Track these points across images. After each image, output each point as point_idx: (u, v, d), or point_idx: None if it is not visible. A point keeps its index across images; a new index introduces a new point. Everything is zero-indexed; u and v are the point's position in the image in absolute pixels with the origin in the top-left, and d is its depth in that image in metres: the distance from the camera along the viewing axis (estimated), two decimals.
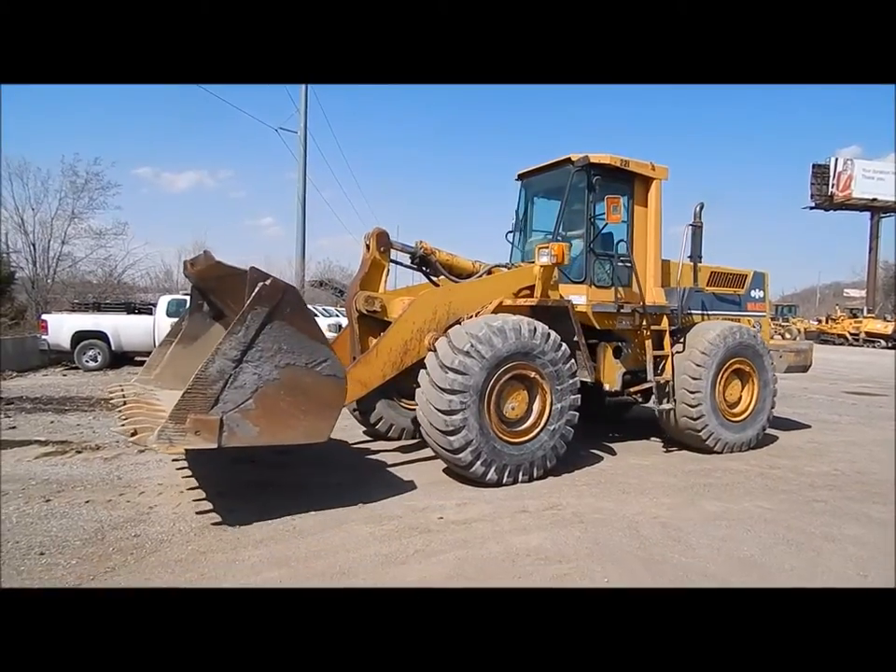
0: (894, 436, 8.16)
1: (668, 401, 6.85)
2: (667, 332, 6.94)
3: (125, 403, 5.21)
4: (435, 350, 5.46)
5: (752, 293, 8.16)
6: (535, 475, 5.65)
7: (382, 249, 6.48)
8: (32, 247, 23.35)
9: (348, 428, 7.43)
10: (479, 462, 5.29)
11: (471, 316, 5.89)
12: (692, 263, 7.28)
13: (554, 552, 4.01)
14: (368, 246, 6.50)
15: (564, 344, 5.79)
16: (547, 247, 6.11)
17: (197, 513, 4.56)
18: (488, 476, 5.36)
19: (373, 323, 6.26)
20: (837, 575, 3.77)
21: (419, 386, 5.50)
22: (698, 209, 7.19)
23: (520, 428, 5.65)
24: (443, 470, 5.82)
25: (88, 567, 3.60)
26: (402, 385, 6.49)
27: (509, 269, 6.99)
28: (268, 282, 4.16)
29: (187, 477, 5.52)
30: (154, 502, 4.81)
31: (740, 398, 7.24)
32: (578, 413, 5.90)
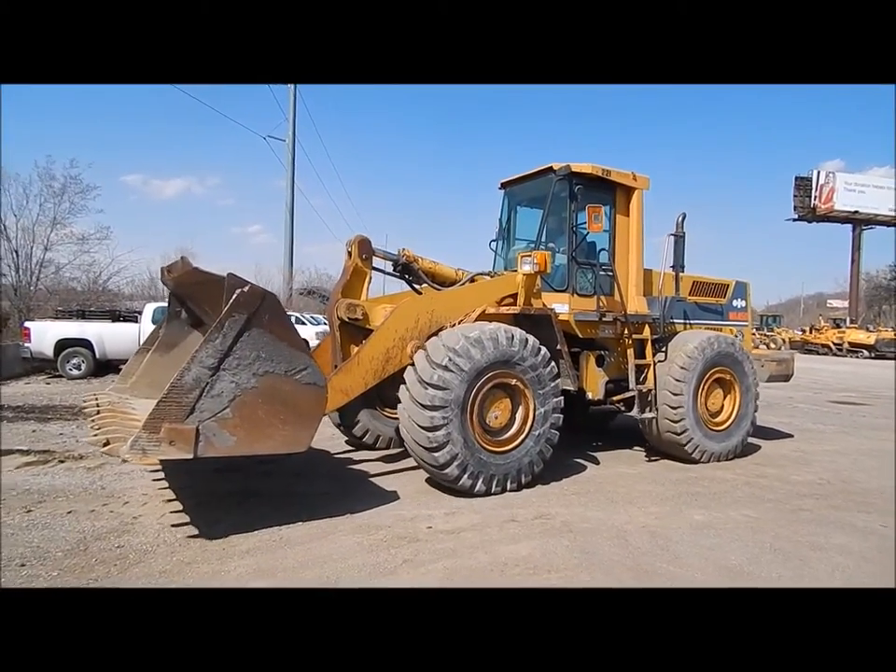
0: (895, 446, 8.18)
1: (651, 410, 6.83)
2: (649, 341, 6.94)
3: (98, 412, 5.10)
4: (413, 364, 5.42)
5: (734, 303, 8.21)
6: (523, 482, 5.64)
7: (364, 257, 6.47)
8: (14, 254, 23.01)
9: (336, 437, 7.39)
10: (466, 475, 5.27)
11: (454, 324, 5.88)
12: (674, 273, 7.32)
13: (543, 561, 4.00)
14: (350, 254, 6.49)
15: (543, 349, 5.77)
16: (529, 256, 6.13)
17: (182, 524, 4.49)
18: (476, 488, 5.33)
19: (355, 331, 6.24)
20: (824, 584, 3.79)
21: (400, 402, 5.45)
22: (680, 219, 7.25)
23: (504, 437, 5.63)
24: (426, 480, 5.79)
25: (70, 578, 3.54)
26: (385, 393, 6.46)
27: (492, 277, 7.00)
28: (246, 288, 4.08)
29: (171, 487, 5.45)
30: (138, 512, 4.74)
31: (722, 406, 7.25)
32: (562, 416, 5.88)
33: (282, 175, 19.14)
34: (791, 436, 9.02)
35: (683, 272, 7.44)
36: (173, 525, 4.47)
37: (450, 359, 5.21)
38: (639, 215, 6.95)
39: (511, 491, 5.52)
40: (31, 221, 23.30)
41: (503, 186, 7.75)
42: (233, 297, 4.03)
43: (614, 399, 6.85)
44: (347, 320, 6.20)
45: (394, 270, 6.96)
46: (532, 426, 5.68)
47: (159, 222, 79.73)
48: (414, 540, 4.31)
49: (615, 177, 6.76)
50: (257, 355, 4.12)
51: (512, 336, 5.56)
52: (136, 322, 14.51)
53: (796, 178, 47.59)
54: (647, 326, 6.98)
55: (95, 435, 4.34)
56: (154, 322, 13.79)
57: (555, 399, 5.82)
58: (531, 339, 5.72)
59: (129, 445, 3.81)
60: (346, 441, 7.34)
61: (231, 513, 4.73)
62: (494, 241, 7.82)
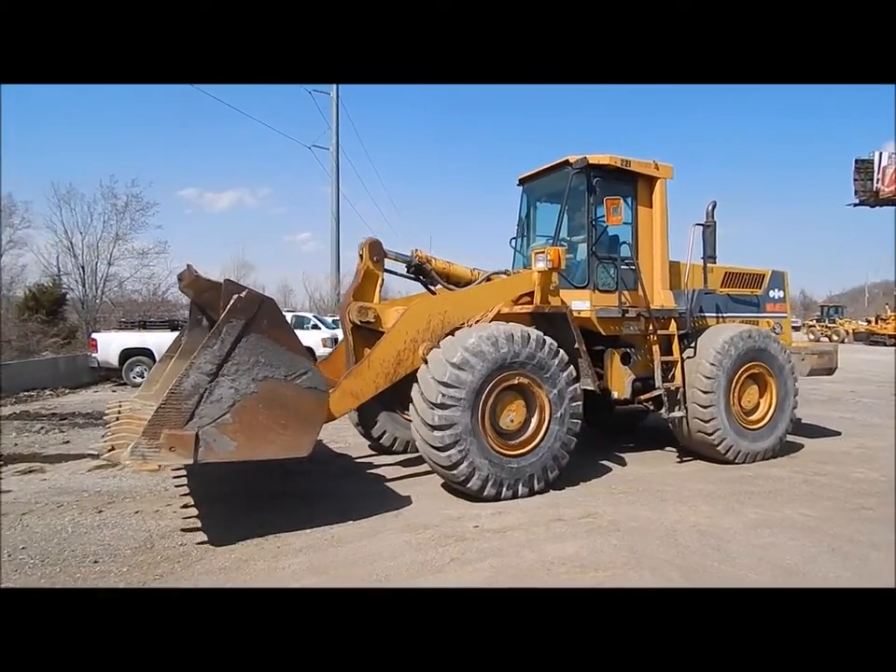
0: (894, 437, 7.91)
1: (679, 409, 6.54)
2: (676, 337, 6.66)
3: (118, 419, 5.22)
4: (427, 363, 5.34)
5: (771, 293, 7.82)
6: (536, 488, 5.44)
7: (375, 259, 6.40)
8: (81, 269, 24.46)
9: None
10: (475, 478, 5.14)
11: (471, 324, 5.76)
12: (702, 264, 7.02)
13: (590, 560, 4.00)
14: (361, 256, 6.43)
15: (561, 351, 5.62)
16: (543, 252, 5.98)
17: (239, 523, 4.69)
18: (486, 491, 5.20)
19: (368, 334, 6.13)
20: (886, 584, 3.66)
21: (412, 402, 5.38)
22: (710, 208, 6.98)
23: (518, 440, 5.47)
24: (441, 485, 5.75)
25: (138, 574, 3.77)
26: (404, 397, 6.31)
27: (508, 276, 6.84)
28: (243, 294, 4.09)
29: (229, 489, 5.69)
30: (200, 512, 4.98)
31: (758, 404, 6.89)
32: (580, 422, 5.71)
33: (328, 181, 19.60)
34: (855, 431, 8.64)
35: (714, 262, 7.17)
36: (234, 523, 4.68)
37: (464, 358, 5.11)
38: (663, 205, 6.71)
39: (522, 497, 5.34)
40: (96, 238, 24.70)
41: (521, 182, 7.56)
42: (231, 302, 4.05)
43: (642, 397, 6.61)
44: (360, 323, 6.14)
45: (407, 271, 6.88)
46: (547, 430, 5.51)
47: (214, 234, 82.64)
48: (461, 539, 4.38)
49: (635, 167, 6.54)
50: (256, 360, 4.12)
51: (528, 336, 5.41)
52: None
53: (856, 161, 45.24)
54: (673, 321, 6.70)
55: (104, 440, 4.44)
56: None
57: (574, 404, 5.63)
58: (549, 340, 5.56)
59: (129, 451, 3.85)
60: (369, 446, 7.31)
61: (286, 513, 4.91)
62: (514, 238, 7.66)
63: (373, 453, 7.19)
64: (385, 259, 6.59)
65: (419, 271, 6.82)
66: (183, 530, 4.54)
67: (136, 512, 4.97)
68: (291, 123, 51.52)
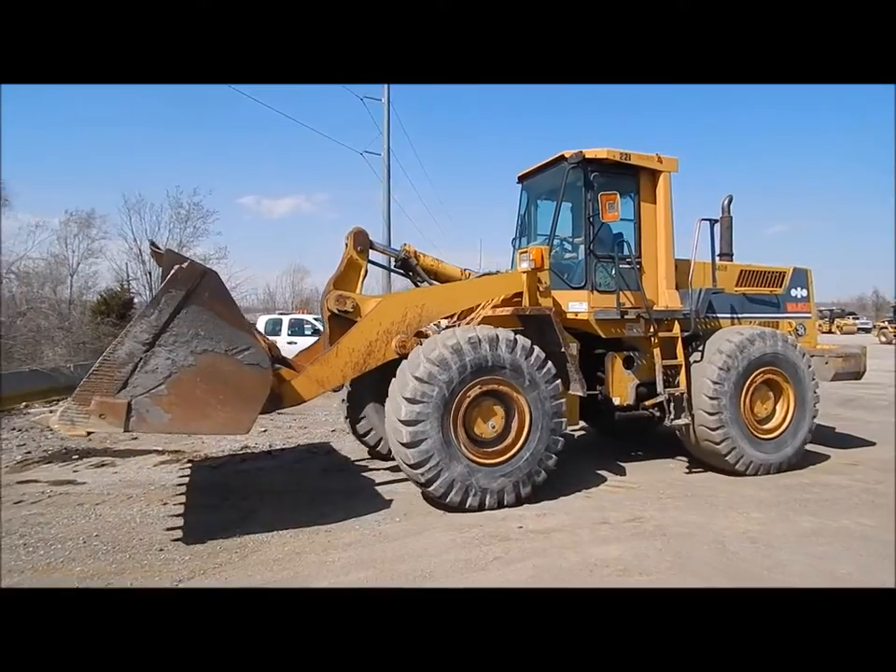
0: (894, 435, 7.70)
1: (684, 416, 6.15)
2: (679, 339, 6.30)
3: None
4: (396, 376, 5.18)
5: (793, 292, 7.31)
6: (523, 494, 5.22)
7: (359, 249, 6.18)
8: (148, 275, 25.80)
9: None
10: (453, 492, 4.96)
11: (457, 322, 5.65)
12: (711, 262, 6.57)
13: (634, 564, 4.00)
14: (347, 245, 6.27)
15: (536, 350, 5.36)
16: (527, 252, 5.81)
17: (292, 518, 4.90)
18: (468, 503, 5.01)
19: (346, 324, 5.81)
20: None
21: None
22: (726, 202, 6.70)
23: (498, 447, 5.24)
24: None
25: (199, 562, 4.02)
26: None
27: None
28: (185, 264, 4.00)
29: (283, 485, 5.94)
30: (255, 507, 5.23)
31: (773, 411, 6.45)
32: (563, 420, 5.44)
33: (380, 186, 19.97)
34: None
35: (731, 260, 6.84)
36: (288, 517, 4.89)
37: (428, 371, 4.93)
38: (667, 200, 6.36)
39: (509, 505, 5.14)
40: (162, 245, 25.99)
41: (520, 179, 7.30)
42: (171, 273, 3.96)
43: (647, 403, 6.28)
44: (337, 312, 5.89)
45: (395, 265, 6.78)
46: (529, 433, 5.28)
47: (271, 239, 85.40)
48: (505, 539, 4.45)
49: (636, 161, 6.23)
50: (195, 332, 4.01)
51: (496, 339, 5.18)
52: None
53: None
54: (676, 322, 6.34)
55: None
56: (267, 333, 14.92)
57: (554, 403, 5.37)
58: (521, 340, 5.31)
59: (58, 416, 3.82)
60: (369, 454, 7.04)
61: (336, 508, 5.12)
62: (515, 239, 7.36)
63: None
64: (374, 252, 6.44)
65: (405, 265, 6.70)
66: (239, 523, 4.78)
67: (198, 506, 5.26)
68: (345, 129, 52.64)
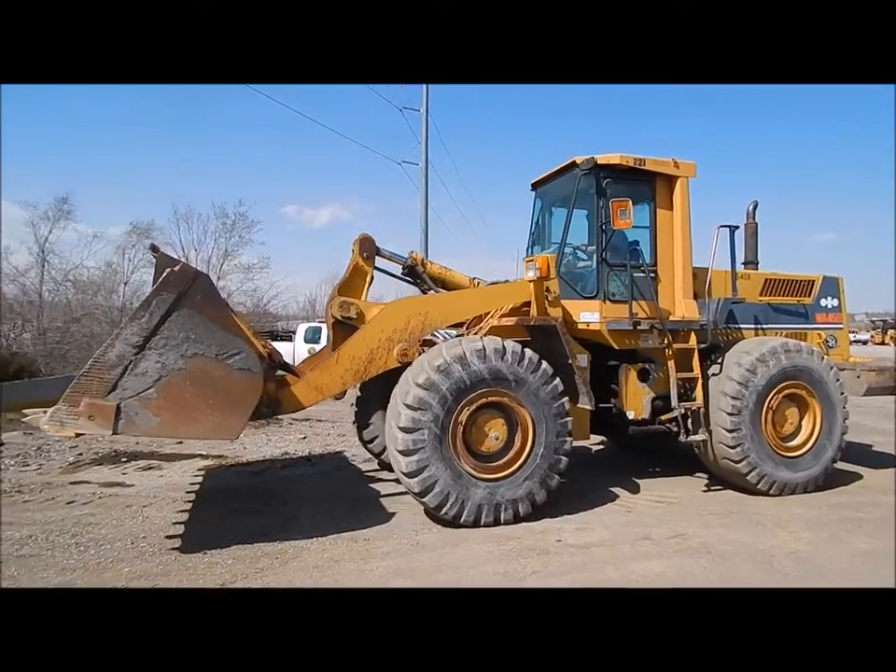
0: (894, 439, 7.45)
1: (701, 432, 5.89)
2: (695, 351, 6.05)
3: None
4: (399, 383, 5.10)
5: (822, 302, 6.94)
6: (521, 513, 5.02)
7: (365, 255, 6.12)
8: None
9: None
10: (448, 505, 4.81)
11: (466, 331, 5.57)
12: (730, 270, 6.32)
13: (677, 581, 3.89)
14: (353, 251, 6.22)
15: (543, 364, 5.19)
16: (533, 260, 5.65)
17: (332, 525, 4.95)
18: (462, 518, 4.85)
19: (350, 331, 5.69)
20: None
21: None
22: (751, 208, 6.45)
23: (499, 462, 5.08)
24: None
25: (241, 566, 4.09)
26: None
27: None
28: (177, 268, 3.99)
29: (323, 491, 6.01)
30: (295, 513, 5.30)
31: (799, 428, 6.12)
32: (569, 439, 5.25)
33: (417, 195, 20.19)
34: None
35: (756, 268, 6.60)
36: (327, 525, 4.95)
37: (429, 378, 4.83)
38: (685, 207, 6.13)
39: (507, 523, 4.96)
40: (208, 254, 26.89)
41: (534, 186, 7.14)
42: (163, 276, 3.95)
43: (663, 418, 6.02)
44: (341, 319, 5.80)
45: (402, 273, 6.68)
46: (532, 450, 5.10)
47: (312, 248, 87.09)
48: (544, 553, 4.39)
49: (651, 166, 6.02)
50: (186, 336, 3.99)
51: (503, 350, 5.03)
52: (291, 341, 16.03)
53: None
54: (692, 333, 6.10)
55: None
56: (307, 341, 15.20)
57: (559, 420, 5.18)
58: (529, 353, 5.16)
59: (48, 416, 3.81)
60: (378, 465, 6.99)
61: (374, 517, 5.14)
62: (528, 247, 7.19)
63: None
64: (381, 258, 6.37)
65: (412, 273, 6.60)
66: (280, 529, 4.85)
67: (239, 510, 5.37)
68: (384, 139, 53.50)
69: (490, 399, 5.04)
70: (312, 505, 5.55)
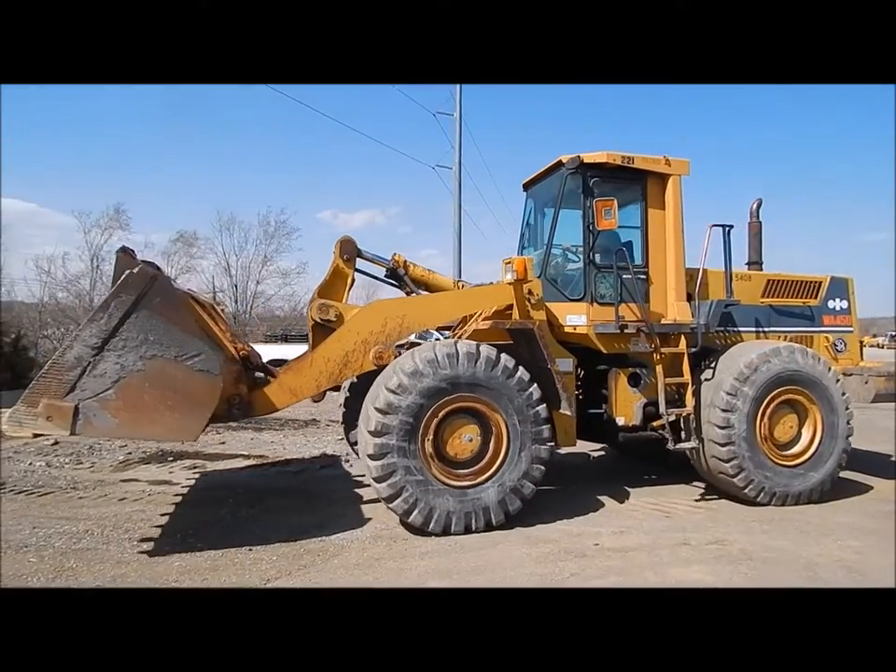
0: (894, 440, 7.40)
1: (692, 439, 5.70)
2: (685, 356, 5.82)
3: None
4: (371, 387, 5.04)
5: (830, 304, 6.66)
6: (494, 522, 4.88)
7: (346, 257, 6.02)
8: (234, 288, 27.39)
9: None
10: (416, 511, 4.70)
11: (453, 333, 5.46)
12: (725, 271, 6.14)
13: (717, 587, 3.86)
14: (334, 253, 6.13)
15: (519, 370, 5.05)
16: (511, 262, 5.50)
17: (372, 524, 5.06)
18: (430, 525, 4.73)
19: (329, 333, 5.55)
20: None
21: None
22: (755, 207, 6.27)
23: (472, 469, 4.96)
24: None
25: (285, 563, 4.22)
26: None
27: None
28: (136, 269, 3.99)
29: (362, 491, 6.13)
30: (338, 512, 5.43)
31: (798, 436, 5.84)
32: (546, 447, 5.11)
33: (451, 199, 20.29)
34: None
35: (760, 269, 6.43)
36: (368, 524, 5.06)
37: (399, 383, 4.73)
38: (678, 206, 5.95)
39: (478, 531, 4.83)
40: (248, 260, 27.60)
41: (525, 186, 7.02)
42: (122, 277, 3.97)
43: (654, 424, 5.82)
44: (320, 321, 5.72)
45: (385, 275, 6.61)
46: (505, 457, 4.97)
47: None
48: (581, 556, 4.40)
49: (641, 164, 5.86)
50: (145, 337, 3.99)
51: (475, 354, 4.90)
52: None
53: None
54: (683, 337, 5.89)
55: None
56: None
57: (535, 428, 5.03)
58: (504, 358, 5.01)
59: (7, 417, 3.85)
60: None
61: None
62: (520, 249, 7.07)
63: None
64: (363, 261, 6.30)
65: (394, 276, 6.53)
66: (321, 527, 4.98)
67: (283, 509, 5.52)
68: (417, 143, 53.92)
69: (463, 404, 4.91)
70: (351, 504, 5.68)
